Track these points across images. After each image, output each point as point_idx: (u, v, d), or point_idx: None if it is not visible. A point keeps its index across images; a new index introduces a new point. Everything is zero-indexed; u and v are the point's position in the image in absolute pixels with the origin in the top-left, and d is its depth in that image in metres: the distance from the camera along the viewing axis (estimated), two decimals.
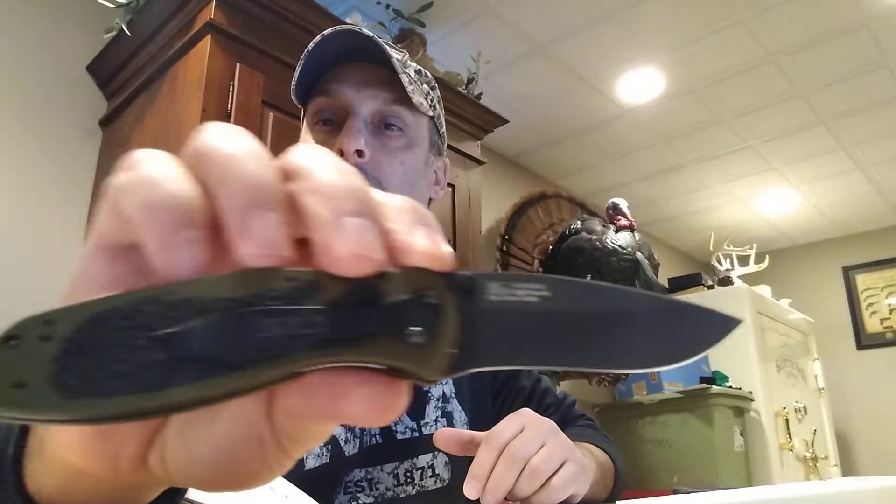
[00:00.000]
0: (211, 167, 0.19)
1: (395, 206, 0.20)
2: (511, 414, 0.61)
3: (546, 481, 0.57)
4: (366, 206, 0.19)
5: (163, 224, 0.18)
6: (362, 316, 0.18)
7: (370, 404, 0.19)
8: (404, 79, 0.71)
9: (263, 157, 0.19)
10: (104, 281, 0.19)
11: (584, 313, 0.21)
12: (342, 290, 0.18)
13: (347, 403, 0.19)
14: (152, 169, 0.19)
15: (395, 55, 0.73)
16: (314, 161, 0.20)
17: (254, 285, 0.18)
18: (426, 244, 0.19)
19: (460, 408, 0.79)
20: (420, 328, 0.19)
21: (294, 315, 0.18)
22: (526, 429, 0.59)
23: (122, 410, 0.17)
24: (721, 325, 0.23)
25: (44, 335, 0.17)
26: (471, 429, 0.77)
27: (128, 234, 0.19)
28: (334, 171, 0.20)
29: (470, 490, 0.56)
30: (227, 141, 0.19)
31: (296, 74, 0.73)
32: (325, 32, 0.70)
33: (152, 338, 0.17)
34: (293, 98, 0.76)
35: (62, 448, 0.22)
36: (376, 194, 0.20)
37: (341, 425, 0.69)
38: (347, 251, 0.18)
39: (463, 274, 0.20)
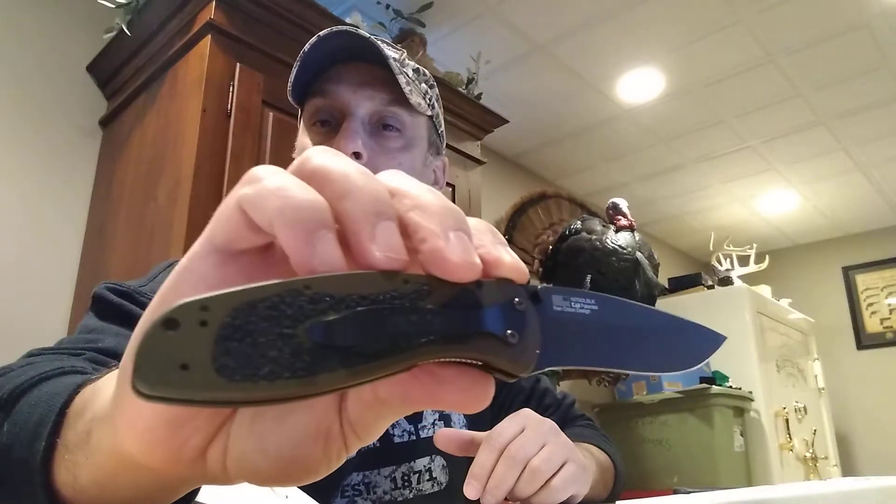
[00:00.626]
0: (333, 183, 0.21)
1: (476, 226, 0.23)
2: (511, 414, 0.61)
3: (546, 482, 0.57)
4: (464, 223, 0.22)
5: (304, 225, 0.20)
6: (472, 317, 0.21)
7: (467, 393, 0.22)
8: (402, 79, 0.71)
9: (374, 176, 0.22)
10: (212, 280, 0.21)
11: (622, 326, 0.26)
12: (451, 293, 0.21)
13: (448, 391, 0.21)
14: (283, 180, 0.21)
15: (393, 54, 0.73)
16: (412, 184, 0.23)
17: (380, 285, 0.20)
18: (511, 259, 0.23)
19: None
20: (516, 331, 0.22)
21: (417, 313, 0.20)
22: (526, 429, 0.59)
23: (278, 394, 0.18)
24: (713, 341, 0.29)
25: (201, 320, 0.18)
26: (469, 430, 0.77)
27: (251, 240, 0.21)
28: (431, 193, 0.23)
29: (470, 490, 0.56)
30: (340, 162, 0.22)
31: (292, 75, 0.73)
32: (322, 33, 0.70)
33: (302, 328, 0.19)
34: (290, 98, 0.76)
35: (125, 438, 0.22)
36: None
37: None
38: (459, 258, 0.21)
39: (534, 286, 0.24)
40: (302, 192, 0.20)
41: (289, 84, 0.74)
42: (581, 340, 0.24)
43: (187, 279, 0.21)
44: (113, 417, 0.23)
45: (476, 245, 0.22)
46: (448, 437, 0.62)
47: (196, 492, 0.29)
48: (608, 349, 0.25)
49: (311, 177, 0.22)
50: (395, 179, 0.23)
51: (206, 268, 0.21)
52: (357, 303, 0.20)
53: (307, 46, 0.70)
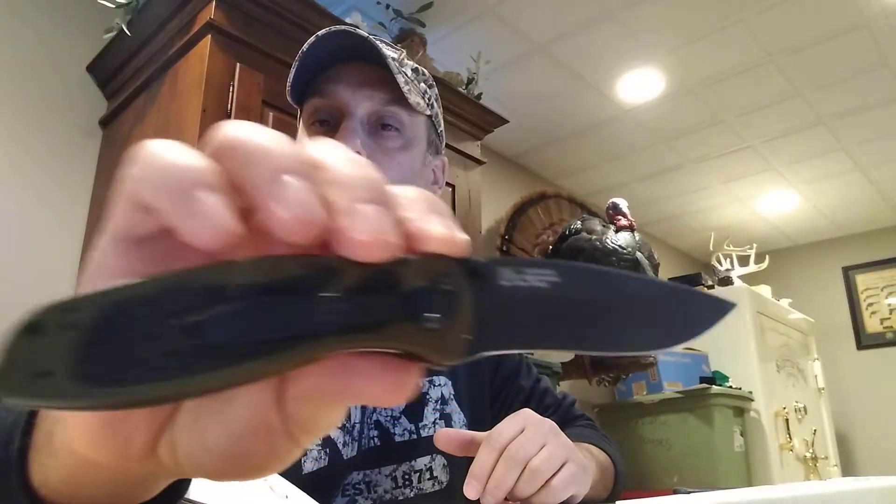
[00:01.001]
0: (239, 150, 0.19)
1: (409, 196, 0.21)
2: (511, 414, 0.61)
3: (546, 482, 0.57)
4: (382, 195, 0.20)
5: (179, 186, 0.18)
6: (382, 303, 0.19)
7: (386, 386, 0.20)
8: (400, 79, 0.71)
9: (296, 147, 0.20)
10: (117, 271, 0.19)
11: (592, 299, 0.22)
12: (361, 276, 0.19)
13: (364, 385, 0.20)
14: (164, 151, 0.19)
15: (391, 54, 0.73)
16: (330, 153, 0.21)
17: (276, 271, 0.18)
18: (442, 230, 0.20)
19: (459, 409, 0.79)
20: (437, 314, 0.19)
21: (316, 302, 0.18)
22: (526, 429, 0.59)
23: (145, 398, 0.17)
24: (717, 309, 0.24)
25: (67, 323, 0.17)
26: (470, 430, 0.77)
27: (145, 223, 0.19)
28: (350, 162, 0.20)
29: (470, 490, 0.56)
30: (255, 131, 0.20)
31: (291, 75, 0.73)
32: (320, 33, 0.70)
33: (175, 326, 0.17)
34: (289, 98, 0.76)
35: (72, 438, 0.22)
36: (391, 186, 0.21)
37: (339, 428, 0.69)
38: (366, 235, 0.19)
39: (476, 259, 0.21)
40: (182, 156, 0.19)
41: (287, 84, 0.74)
42: (534, 319, 0.21)
43: (97, 273, 0.20)
44: (64, 417, 0.23)
45: (402, 218, 0.20)
46: (448, 437, 0.62)
47: (185, 485, 0.29)
48: (572, 327, 0.21)
49: (218, 147, 0.20)
50: (320, 151, 0.21)
51: (108, 259, 0.20)
52: (245, 293, 0.18)
53: (306, 46, 0.70)
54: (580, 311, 0.21)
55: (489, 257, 0.21)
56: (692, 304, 0.24)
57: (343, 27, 0.70)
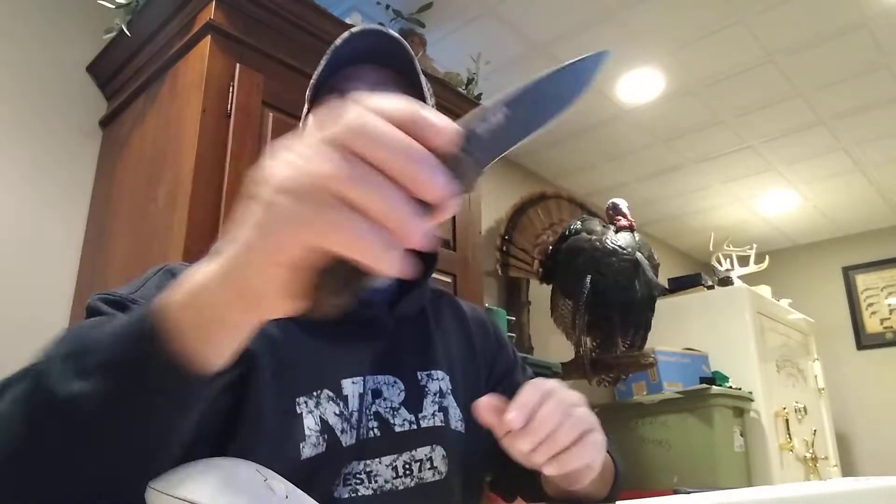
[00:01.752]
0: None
1: (419, 123, 0.33)
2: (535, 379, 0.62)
3: (577, 440, 0.57)
4: (419, 175, 0.31)
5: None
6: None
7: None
8: (423, 79, 0.73)
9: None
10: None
11: (531, 104, 0.38)
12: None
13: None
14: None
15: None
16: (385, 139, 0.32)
17: None
18: (443, 133, 0.33)
19: (455, 405, 0.80)
20: (458, 180, 0.33)
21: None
22: (556, 392, 0.60)
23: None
24: (594, 61, 0.44)
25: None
26: (464, 426, 0.77)
27: (314, 258, 0.34)
28: (386, 147, 0.32)
29: (515, 420, 0.56)
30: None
31: (318, 71, 0.74)
32: (354, 30, 0.72)
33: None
34: (307, 94, 0.77)
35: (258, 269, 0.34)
36: (395, 136, 0.32)
37: (336, 415, 0.69)
38: (421, 245, 0.31)
39: (462, 131, 0.34)
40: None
41: (313, 80, 0.75)
42: (504, 133, 0.35)
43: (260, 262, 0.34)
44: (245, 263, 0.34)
45: (418, 139, 0.31)
46: (486, 404, 0.61)
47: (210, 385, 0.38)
48: (526, 122, 0.37)
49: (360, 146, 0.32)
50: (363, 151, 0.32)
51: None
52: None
53: (339, 41, 0.72)
54: (526, 113, 0.37)
55: (466, 123, 0.34)
56: (576, 67, 0.44)
57: (376, 27, 0.72)
